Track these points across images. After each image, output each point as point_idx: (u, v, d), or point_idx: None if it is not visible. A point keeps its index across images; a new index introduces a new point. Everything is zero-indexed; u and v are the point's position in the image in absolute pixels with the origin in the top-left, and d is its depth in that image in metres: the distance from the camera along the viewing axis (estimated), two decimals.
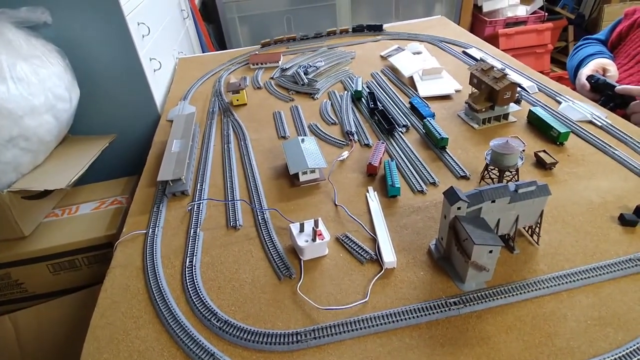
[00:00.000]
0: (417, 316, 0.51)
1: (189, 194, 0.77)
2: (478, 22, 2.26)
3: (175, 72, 1.34)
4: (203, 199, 0.74)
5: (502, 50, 2.19)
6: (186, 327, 0.53)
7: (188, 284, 0.59)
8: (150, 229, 0.69)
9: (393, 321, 0.51)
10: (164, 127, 1.02)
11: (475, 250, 0.49)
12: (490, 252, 0.50)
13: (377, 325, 0.50)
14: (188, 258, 0.63)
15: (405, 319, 0.51)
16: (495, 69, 0.85)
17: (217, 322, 0.53)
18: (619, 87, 0.90)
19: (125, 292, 0.59)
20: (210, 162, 0.86)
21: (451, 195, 0.52)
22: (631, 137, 0.77)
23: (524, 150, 0.77)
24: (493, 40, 2.14)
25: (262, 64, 1.25)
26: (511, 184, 0.54)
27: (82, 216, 0.92)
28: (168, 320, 0.54)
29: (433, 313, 0.51)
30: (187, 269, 0.61)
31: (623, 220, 0.60)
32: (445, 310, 0.51)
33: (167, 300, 0.56)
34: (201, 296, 0.57)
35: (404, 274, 0.57)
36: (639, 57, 1.02)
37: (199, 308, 0.55)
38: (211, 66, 1.31)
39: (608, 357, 0.44)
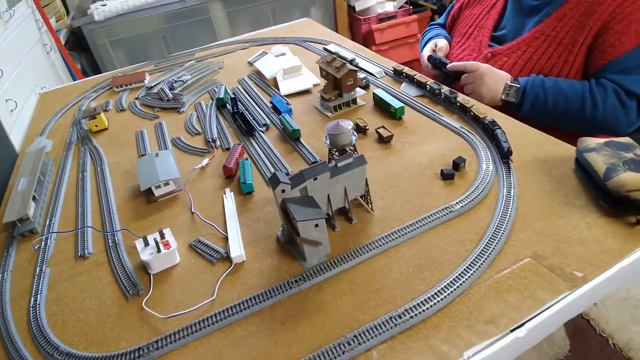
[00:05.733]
0: (261, 301, 0.52)
1: (38, 232, 0.72)
2: (354, 21, 2.41)
3: (36, 109, 1.24)
4: (49, 233, 0.69)
5: (378, 43, 2.37)
6: None
7: (32, 323, 0.55)
8: (0, 275, 0.63)
9: (237, 312, 0.51)
10: (18, 168, 0.94)
11: (300, 226, 0.52)
12: (317, 225, 0.53)
13: (221, 319, 0.51)
14: (33, 298, 0.59)
15: (249, 306, 0.52)
16: (337, 59, 0.91)
17: (59, 356, 0.50)
18: (449, 65, 1.01)
19: None
20: (62, 194, 0.80)
21: (273, 180, 0.54)
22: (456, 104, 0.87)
23: (367, 129, 0.83)
24: (369, 36, 2.29)
25: (126, 85, 1.20)
26: (333, 162, 0.59)
27: None
28: None
29: (276, 295, 0.53)
30: (31, 309, 0.57)
31: (443, 175, 0.68)
32: (287, 290, 0.53)
33: (14, 343, 0.53)
34: (44, 333, 0.53)
35: (253, 265, 0.58)
36: (468, 34, 1.16)
37: (43, 345, 0.52)
38: (73, 96, 1.24)
39: (423, 297, 0.49)
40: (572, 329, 1.20)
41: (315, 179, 0.56)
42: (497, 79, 0.93)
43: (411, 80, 0.96)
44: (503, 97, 0.92)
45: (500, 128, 0.73)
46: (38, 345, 0.52)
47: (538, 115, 0.91)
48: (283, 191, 0.54)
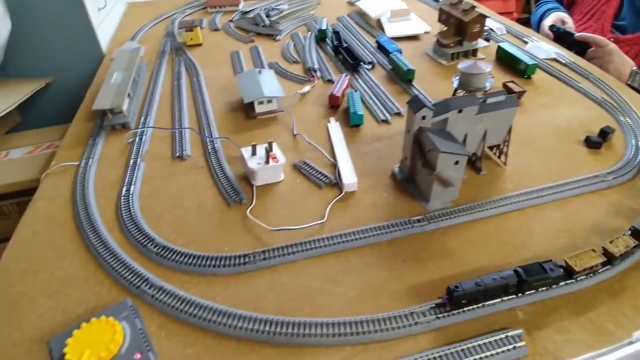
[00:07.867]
0: (378, 234, 0.47)
1: (130, 127, 0.69)
2: None
3: (124, 17, 1.22)
4: (146, 127, 0.67)
5: None
6: (117, 253, 0.46)
7: (123, 211, 0.52)
8: (84, 160, 0.61)
9: (352, 240, 0.46)
10: (107, 67, 0.92)
11: (441, 159, 0.45)
12: (457, 163, 0.46)
13: (334, 244, 0.46)
14: (125, 187, 0.56)
15: (365, 237, 0.46)
16: (464, 2, 0.81)
17: (154, 247, 0.47)
18: (578, 35, 0.91)
19: (48, 222, 0.52)
20: (157, 97, 0.77)
21: (415, 103, 0.47)
22: (592, 74, 0.76)
23: (492, 77, 0.73)
24: None
25: (220, 7, 1.15)
26: (482, 97, 0.51)
27: (11, 161, 0.81)
28: (97, 248, 0.47)
29: (395, 231, 0.47)
30: (122, 198, 0.54)
31: (589, 143, 0.58)
32: (408, 228, 0.47)
33: (96, 229, 0.50)
34: (137, 223, 0.50)
35: (366, 196, 0.53)
36: (590, 14, 1.05)
37: (134, 234, 0.49)
38: (163, 11, 1.20)
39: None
40: None
41: (461, 111, 0.48)
42: (624, 61, 0.86)
43: None
44: (629, 82, 0.83)
45: None
46: (127, 234, 0.49)
47: None
48: (423, 117, 0.47)
